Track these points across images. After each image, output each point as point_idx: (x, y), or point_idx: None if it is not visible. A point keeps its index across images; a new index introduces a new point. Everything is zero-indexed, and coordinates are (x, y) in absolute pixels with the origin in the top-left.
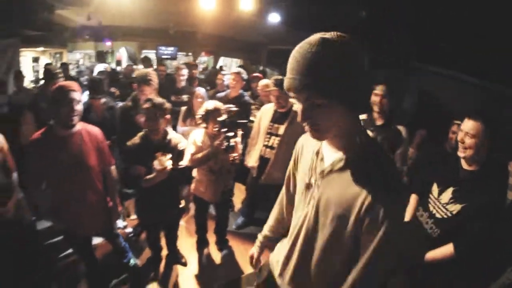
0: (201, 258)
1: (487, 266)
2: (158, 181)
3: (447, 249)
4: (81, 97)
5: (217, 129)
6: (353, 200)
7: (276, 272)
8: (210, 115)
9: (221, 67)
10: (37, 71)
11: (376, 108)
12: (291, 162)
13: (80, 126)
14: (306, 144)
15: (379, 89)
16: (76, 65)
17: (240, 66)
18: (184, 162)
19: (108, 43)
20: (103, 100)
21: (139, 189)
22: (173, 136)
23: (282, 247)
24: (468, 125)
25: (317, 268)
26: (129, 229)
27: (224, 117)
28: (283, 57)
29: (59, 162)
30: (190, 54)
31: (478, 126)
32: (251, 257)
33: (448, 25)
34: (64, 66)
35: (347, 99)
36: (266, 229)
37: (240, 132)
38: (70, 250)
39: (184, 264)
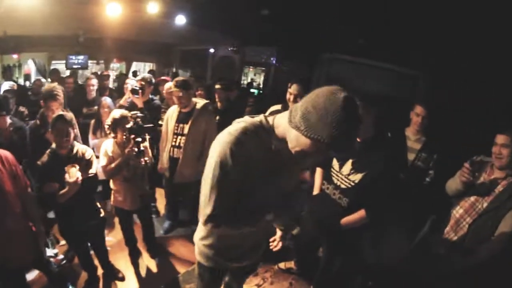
0: (137, 269)
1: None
2: (73, 193)
3: (359, 215)
4: None
5: (125, 136)
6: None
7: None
8: (118, 124)
9: (134, 72)
10: None
11: (291, 105)
12: (223, 173)
13: None
14: (246, 152)
15: (293, 88)
16: None
17: (150, 71)
18: (93, 170)
19: (15, 56)
20: (9, 121)
21: (57, 206)
22: (79, 147)
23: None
24: None
25: None
26: (60, 256)
27: (131, 124)
28: (195, 58)
29: None
30: (102, 62)
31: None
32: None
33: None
34: None
35: None
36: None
37: (147, 137)
38: None
39: (122, 279)
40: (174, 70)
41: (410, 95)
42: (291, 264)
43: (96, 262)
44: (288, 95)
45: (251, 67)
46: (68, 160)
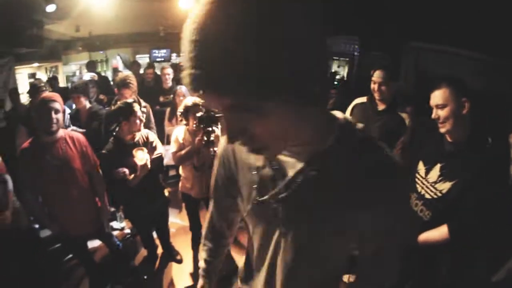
0: (196, 254)
1: (493, 249)
2: (143, 175)
3: (440, 232)
4: (61, 107)
5: (196, 125)
6: (344, 210)
7: None
8: (190, 111)
9: None
10: None
11: (376, 95)
12: (219, 173)
13: (63, 132)
14: (240, 154)
15: (376, 75)
16: (73, 76)
17: None
18: (159, 151)
19: (102, 52)
20: (88, 105)
21: (123, 187)
22: (142, 132)
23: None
24: (435, 96)
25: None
26: (127, 230)
27: (201, 113)
28: None
29: (46, 166)
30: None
31: (444, 93)
32: None
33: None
34: (54, 79)
35: (292, 92)
36: (205, 255)
37: (219, 126)
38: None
39: (179, 261)
40: None
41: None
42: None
43: (158, 241)
44: (372, 84)
45: (334, 59)
46: (132, 145)
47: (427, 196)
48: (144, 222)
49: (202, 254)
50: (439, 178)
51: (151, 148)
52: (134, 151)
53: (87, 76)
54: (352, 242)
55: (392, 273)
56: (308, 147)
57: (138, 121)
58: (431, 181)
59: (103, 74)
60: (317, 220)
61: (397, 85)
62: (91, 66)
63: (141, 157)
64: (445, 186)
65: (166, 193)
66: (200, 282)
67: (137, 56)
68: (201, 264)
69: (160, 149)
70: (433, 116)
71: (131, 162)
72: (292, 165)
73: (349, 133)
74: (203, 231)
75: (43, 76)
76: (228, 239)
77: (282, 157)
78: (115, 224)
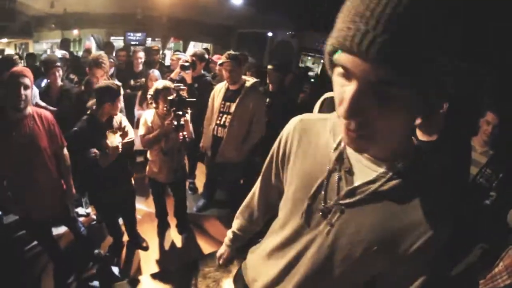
0: (162, 242)
1: (455, 245)
2: (113, 159)
3: None
4: (30, 83)
5: (166, 108)
6: (402, 235)
7: None
8: (160, 94)
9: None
10: None
11: None
12: (273, 159)
13: (30, 109)
14: (307, 139)
15: None
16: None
17: (205, 49)
18: (131, 135)
19: (75, 31)
20: (60, 83)
21: (90, 172)
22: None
23: (262, 263)
24: None
25: None
26: (92, 216)
27: (172, 96)
28: (253, 41)
29: (12, 144)
30: (158, 39)
31: None
32: (219, 258)
33: None
34: (31, 56)
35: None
36: (235, 227)
37: (189, 111)
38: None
39: (145, 249)
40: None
41: (474, 97)
42: None
43: (124, 229)
44: None
45: (310, 55)
46: (106, 126)
47: None
48: (109, 209)
49: (233, 225)
50: None
51: (124, 133)
52: (107, 133)
53: (58, 53)
54: (385, 263)
55: None
56: (388, 146)
57: (119, 105)
58: None
59: (75, 54)
60: (366, 234)
61: None
62: (64, 44)
63: (113, 139)
64: None
65: (133, 181)
66: (221, 249)
67: (112, 37)
68: (229, 234)
69: (132, 134)
70: None
71: (103, 144)
72: (363, 174)
73: (423, 160)
74: (242, 209)
75: (12, 52)
76: (261, 221)
77: (355, 163)
78: (80, 210)
